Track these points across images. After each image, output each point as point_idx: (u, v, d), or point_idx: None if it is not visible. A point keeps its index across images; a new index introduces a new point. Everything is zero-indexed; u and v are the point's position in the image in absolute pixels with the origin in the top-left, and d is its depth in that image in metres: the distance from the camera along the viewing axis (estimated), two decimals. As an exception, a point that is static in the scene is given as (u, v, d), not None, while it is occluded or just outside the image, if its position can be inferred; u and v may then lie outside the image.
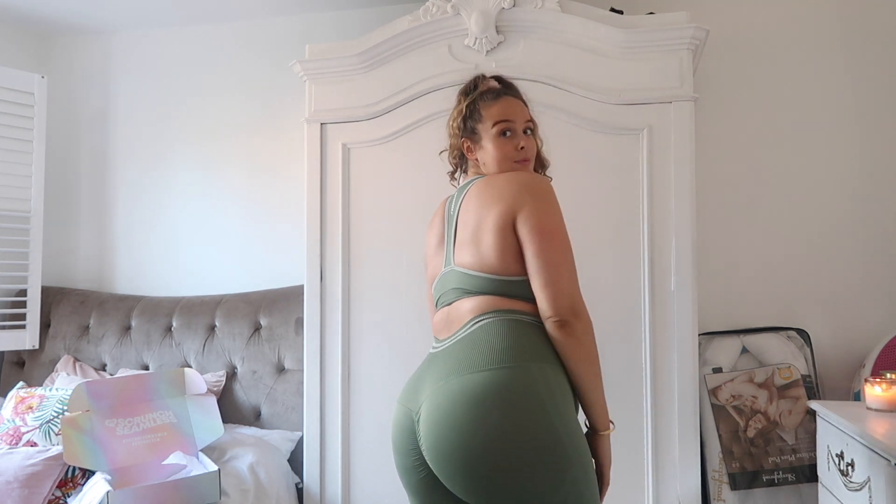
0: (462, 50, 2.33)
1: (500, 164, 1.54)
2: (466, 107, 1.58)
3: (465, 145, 1.60)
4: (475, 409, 1.30)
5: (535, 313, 1.42)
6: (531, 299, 1.42)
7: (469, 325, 1.44)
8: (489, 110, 1.56)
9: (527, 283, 1.43)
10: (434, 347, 1.53)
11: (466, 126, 1.59)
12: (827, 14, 2.57)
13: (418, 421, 1.40)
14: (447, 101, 2.31)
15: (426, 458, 1.38)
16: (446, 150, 1.68)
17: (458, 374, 1.36)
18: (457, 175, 1.69)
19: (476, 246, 1.47)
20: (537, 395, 1.32)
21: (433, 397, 1.37)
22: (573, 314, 1.38)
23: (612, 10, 2.29)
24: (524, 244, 1.42)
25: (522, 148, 1.55)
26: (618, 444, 2.06)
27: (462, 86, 1.65)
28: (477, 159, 1.60)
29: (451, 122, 1.63)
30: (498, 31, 2.29)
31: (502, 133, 1.54)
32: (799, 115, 2.57)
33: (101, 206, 3.21)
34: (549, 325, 1.39)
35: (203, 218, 3.09)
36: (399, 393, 1.52)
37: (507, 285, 1.43)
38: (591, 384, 1.41)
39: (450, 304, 1.51)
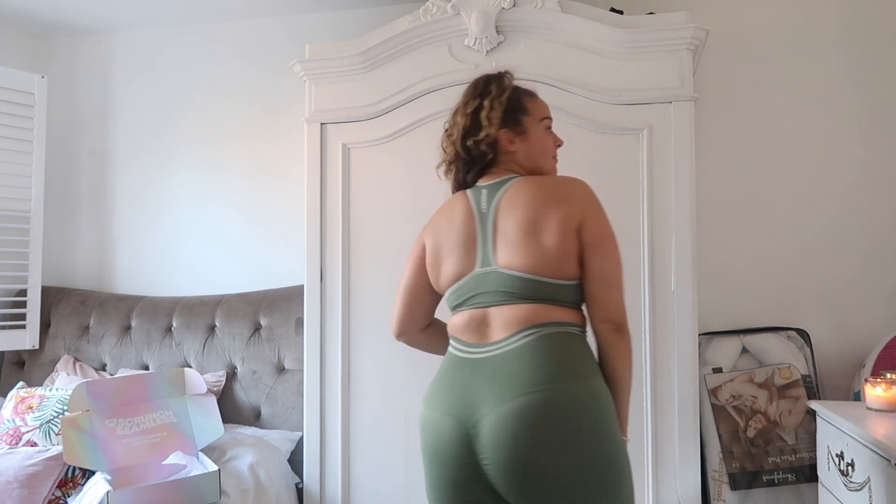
0: (462, 50, 2.33)
1: (541, 157, 1.56)
2: (508, 98, 1.54)
3: (506, 136, 1.53)
4: (559, 425, 1.31)
5: (580, 323, 1.45)
6: (575, 306, 1.44)
7: (523, 335, 1.38)
8: (534, 104, 1.57)
9: (576, 288, 1.43)
10: (470, 352, 1.44)
11: (510, 117, 1.53)
12: (827, 14, 2.57)
13: (477, 434, 1.34)
14: (447, 102, 2.31)
15: (491, 472, 1.34)
16: (453, 137, 1.57)
17: (528, 389, 1.32)
18: (453, 168, 1.58)
19: (533, 247, 1.41)
20: (604, 411, 1.35)
21: (505, 412, 1.31)
22: (625, 319, 1.44)
23: (612, 10, 2.29)
24: (589, 249, 1.42)
25: (559, 145, 1.60)
26: (618, 444, 2.07)
27: (484, 76, 1.59)
28: (514, 152, 1.54)
29: (486, 113, 1.53)
30: (498, 31, 2.29)
31: (547, 128, 1.58)
32: (799, 114, 2.57)
33: (101, 206, 3.21)
34: (605, 329, 1.43)
35: (203, 218, 3.08)
36: (430, 399, 1.45)
37: (558, 289, 1.41)
38: (628, 388, 1.45)
39: (486, 307, 1.44)
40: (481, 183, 1.54)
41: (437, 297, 1.60)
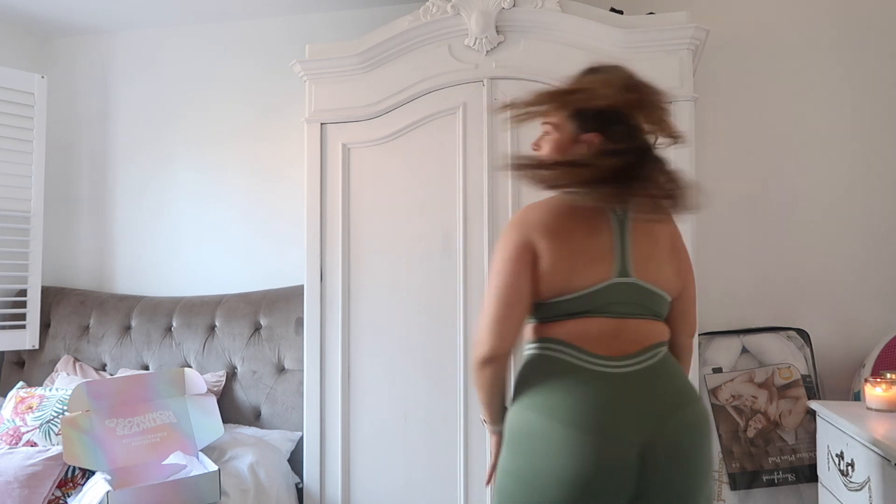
0: (462, 50, 2.33)
1: None
2: None
3: None
4: (711, 439, 1.38)
5: None
6: None
7: (657, 351, 1.36)
8: None
9: None
10: (608, 366, 1.32)
11: None
12: (827, 14, 2.57)
13: (646, 454, 1.27)
14: (447, 101, 2.33)
15: (660, 488, 1.28)
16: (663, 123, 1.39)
17: (684, 405, 1.33)
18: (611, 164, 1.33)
19: (666, 264, 1.41)
20: None
21: (675, 428, 1.29)
22: None
23: (612, 10, 2.29)
24: (688, 270, 1.49)
25: None
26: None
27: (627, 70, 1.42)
28: None
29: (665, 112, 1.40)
30: (498, 31, 2.29)
31: None
32: (799, 114, 2.57)
33: (101, 206, 3.21)
34: (690, 344, 1.53)
35: (203, 217, 3.08)
36: (573, 418, 1.27)
37: (667, 307, 1.45)
38: None
39: (619, 317, 1.36)
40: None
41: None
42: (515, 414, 1.36)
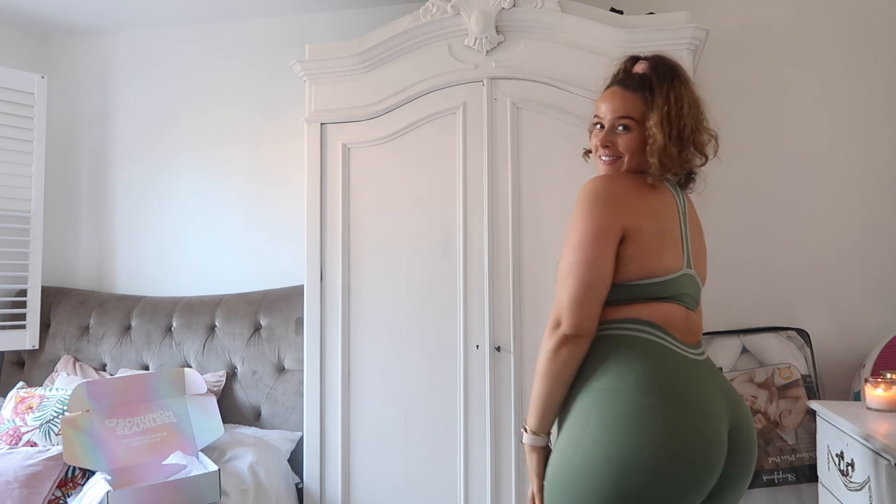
0: (462, 50, 2.33)
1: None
2: None
3: None
4: None
5: None
6: None
7: (704, 346, 1.41)
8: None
9: None
10: (690, 352, 1.33)
11: None
12: (827, 14, 2.57)
13: (728, 433, 1.27)
14: (447, 101, 2.33)
15: (734, 472, 1.29)
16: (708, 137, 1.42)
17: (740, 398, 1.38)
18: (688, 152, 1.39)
19: (704, 258, 1.47)
20: None
21: (743, 408, 1.34)
22: None
23: (612, 10, 2.29)
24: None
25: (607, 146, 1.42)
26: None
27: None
28: None
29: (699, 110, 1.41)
30: (498, 31, 2.29)
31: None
32: (799, 115, 2.57)
33: (101, 206, 3.21)
34: None
35: (203, 217, 3.08)
36: (698, 404, 1.25)
37: None
38: None
39: (687, 308, 1.37)
40: (671, 178, 1.42)
41: None
42: (611, 395, 1.25)
